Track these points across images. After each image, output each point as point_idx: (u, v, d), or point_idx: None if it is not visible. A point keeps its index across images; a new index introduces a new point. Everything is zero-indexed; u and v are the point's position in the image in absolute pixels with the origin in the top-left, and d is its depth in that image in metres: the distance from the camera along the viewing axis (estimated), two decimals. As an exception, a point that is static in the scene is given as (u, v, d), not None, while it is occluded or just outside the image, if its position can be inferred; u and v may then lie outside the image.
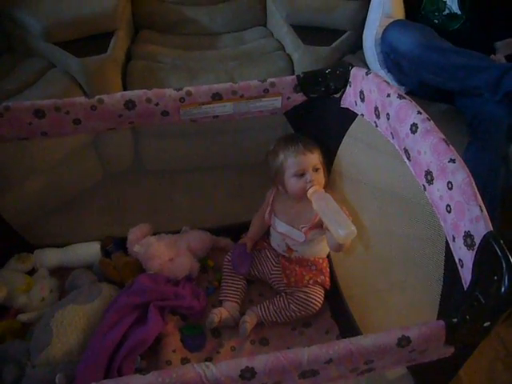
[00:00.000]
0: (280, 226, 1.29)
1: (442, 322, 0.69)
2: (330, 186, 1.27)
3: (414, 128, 0.87)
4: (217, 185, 1.76)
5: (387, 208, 1.08)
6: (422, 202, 0.88)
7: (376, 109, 1.01)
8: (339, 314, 1.30)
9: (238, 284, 1.32)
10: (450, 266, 0.80)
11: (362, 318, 1.22)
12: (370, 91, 1.03)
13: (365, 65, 1.78)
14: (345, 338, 0.70)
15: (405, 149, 0.92)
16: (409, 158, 0.91)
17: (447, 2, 1.66)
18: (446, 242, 0.81)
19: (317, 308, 1.25)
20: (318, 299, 1.26)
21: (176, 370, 0.65)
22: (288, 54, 1.92)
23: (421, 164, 0.86)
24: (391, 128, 0.96)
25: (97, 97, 1.10)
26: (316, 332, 1.27)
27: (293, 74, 1.83)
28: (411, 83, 1.60)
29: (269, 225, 1.34)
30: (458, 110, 1.55)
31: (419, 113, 0.88)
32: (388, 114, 0.96)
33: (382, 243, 1.13)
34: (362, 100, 1.08)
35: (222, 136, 1.76)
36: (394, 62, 1.59)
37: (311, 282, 1.27)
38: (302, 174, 1.19)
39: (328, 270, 1.32)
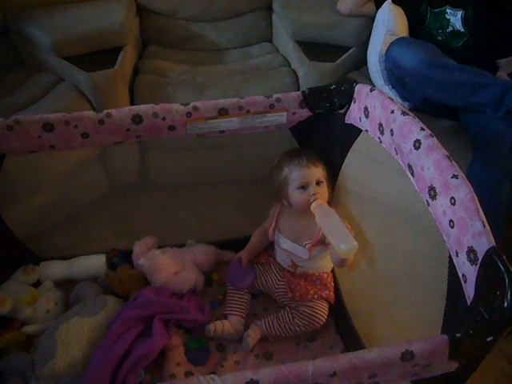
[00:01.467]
0: (284, 243, 1.29)
1: (445, 337, 0.69)
2: (334, 201, 1.28)
3: (417, 144, 0.89)
4: (222, 199, 1.76)
5: (391, 223, 1.09)
6: (426, 218, 0.88)
7: (380, 125, 1.02)
8: (344, 329, 1.29)
9: (242, 298, 1.32)
10: (454, 281, 0.80)
11: (366, 332, 1.21)
12: (374, 107, 1.05)
13: (369, 81, 1.80)
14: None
15: (408, 164, 0.92)
16: (412, 174, 0.92)
17: (451, 20, 1.68)
18: (450, 257, 0.82)
19: (321, 322, 1.25)
20: (323, 314, 1.26)
21: (181, 383, 0.66)
22: (293, 70, 1.95)
23: (424, 180, 0.87)
24: (395, 144, 0.97)
25: (105, 111, 1.12)
26: (320, 347, 1.26)
27: (298, 89, 1.85)
28: (415, 99, 1.61)
29: (272, 241, 1.34)
30: (462, 126, 1.56)
31: (422, 129, 0.90)
32: (392, 130, 0.97)
33: (386, 258, 1.13)
34: (367, 116, 1.09)
35: (228, 151, 1.77)
36: (398, 78, 1.60)
37: (316, 296, 1.27)
38: (304, 187, 1.20)
39: (333, 284, 1.32)
